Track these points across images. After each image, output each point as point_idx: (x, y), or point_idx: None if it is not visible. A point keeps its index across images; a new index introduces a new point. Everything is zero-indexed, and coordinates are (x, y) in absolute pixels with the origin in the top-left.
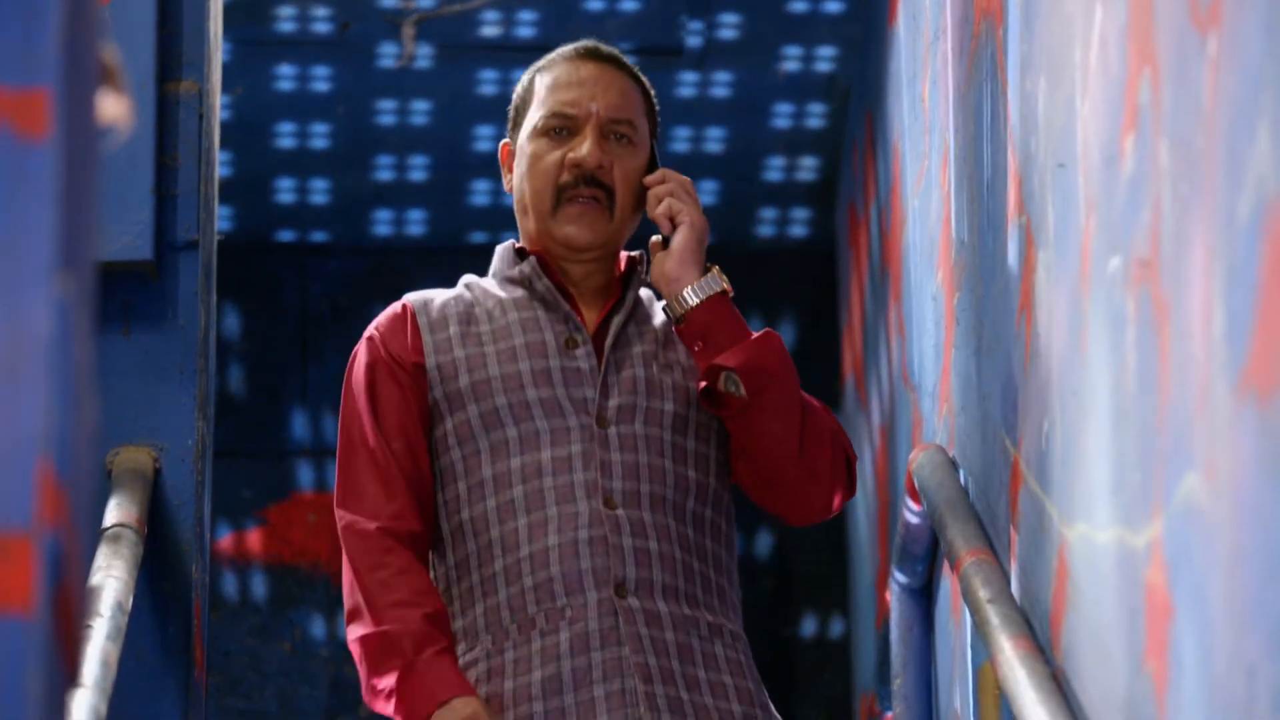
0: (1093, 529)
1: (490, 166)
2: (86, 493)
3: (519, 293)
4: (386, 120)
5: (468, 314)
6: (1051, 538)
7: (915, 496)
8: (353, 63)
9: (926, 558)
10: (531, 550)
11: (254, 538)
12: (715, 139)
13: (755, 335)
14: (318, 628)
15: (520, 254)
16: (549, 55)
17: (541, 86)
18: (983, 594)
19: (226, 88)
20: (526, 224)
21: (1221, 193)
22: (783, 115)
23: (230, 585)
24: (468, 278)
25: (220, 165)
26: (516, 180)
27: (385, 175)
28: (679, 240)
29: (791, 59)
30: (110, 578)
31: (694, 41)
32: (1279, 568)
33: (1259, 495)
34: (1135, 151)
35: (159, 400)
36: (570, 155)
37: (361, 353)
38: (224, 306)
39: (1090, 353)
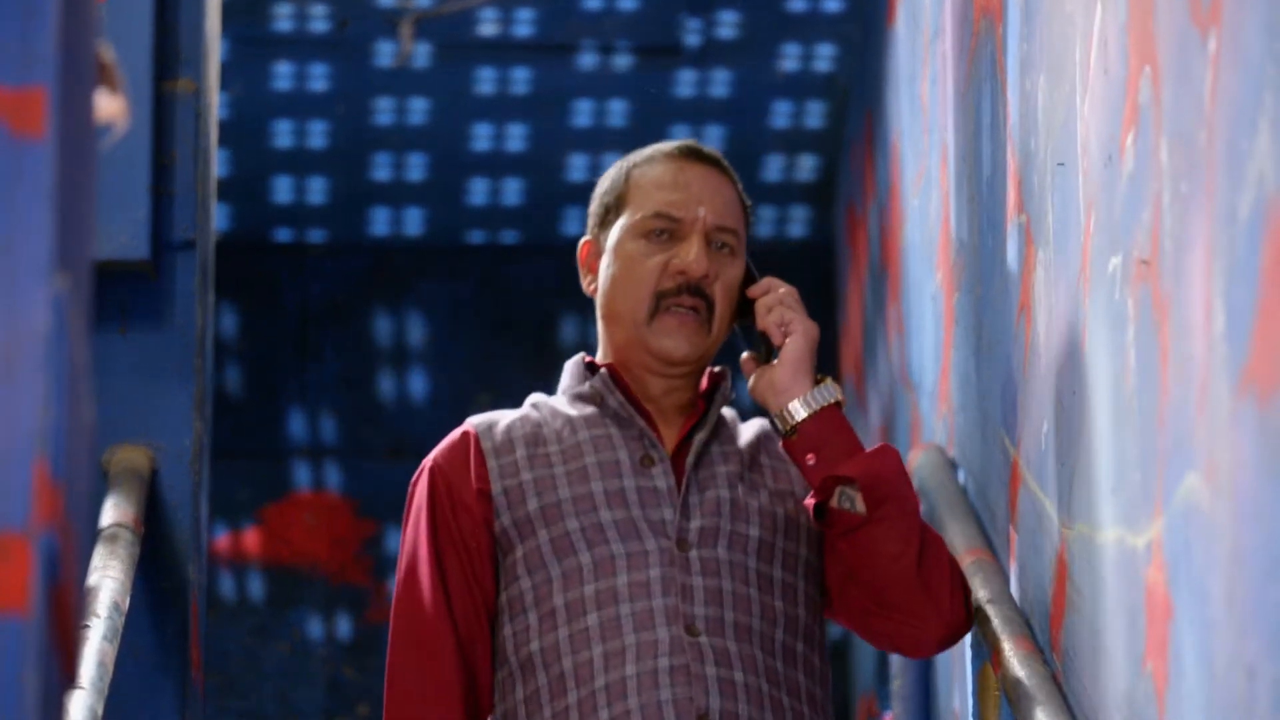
0: (1093, 529)
1: (488, 165)
2: (83, 492)
3: (590, 410)
4: (384, 119)
5: (535, 435)
6: (1051, 538)
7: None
8: (350, 61)
9: None
10: (608, 681)
11: (251, 538)
12: (714, 138)
13: (873, 449)
14: (315, 628)
15: (591, 368)
16: (644, 151)
17: (642, 184)
18: (982, 594)
19: (224, 86)
20: (613, 331)
21: (1222, 191)
22: (782, 114)
23: (227, 585)
24: (534, 397)
25: (217, 164)
26: (603, 282)
27: (383, 174)
28: (791, 349)
29: (790, 58)
30: (107, 578)
31: (693, 40)
32: (1279, 567)
33: (1259, 495)
34: (1135, 150)
35: (156, 400)
36: (674, 262)
37: (421, 487)
38: (221, 306)
39: (1090, 352)
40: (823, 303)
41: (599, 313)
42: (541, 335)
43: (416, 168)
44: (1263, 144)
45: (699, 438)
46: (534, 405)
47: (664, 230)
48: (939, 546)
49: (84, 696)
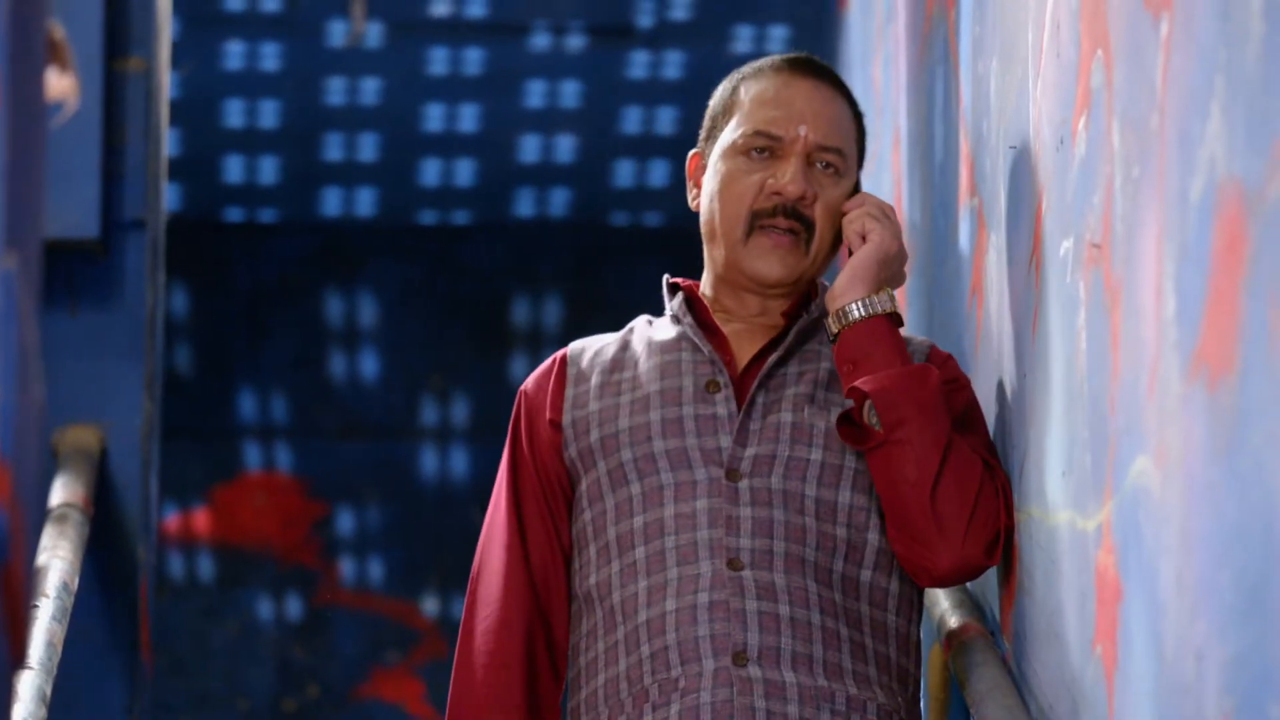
0: (1044, 512)
1: (440, 145)
2: (33, 472)
3: (672, 333)
4: (336, 99)
5: (616, 361)
6: None
7: None
8: (302, 40)
9: None
10: (649, 616)
11: (201, 518)
12: (666, 119)
13: (909, 367)
14: (265, 609)
15: (673, 290)
16: (756, 63)
17: (746, 98)
18: None
19: (175, 65)
20: (713, 250)
21: (1173, 175)
22: None
23: (177, 566)
24: (640, 318)
25: (168, 143)
26: (705, 199)
27: (335, 154)
28: (858, 255)
29: (743, 39)
30: (56, 558)
31: (645, 21)
32: (1228, 551)
33: (1209, 478)
34: (1087, 134)
35: (106, 379)
36: (770, 181)
37: (514, 412)
38: (172, 285)
39: (1041, 335)
40: None
41: (702, 229)
42: (493, 316)
43: (368, 148)
44: (1214, 128)
45: (772, 358)
46: (631, 328)
47: (764, 148)
48: (967, 477)
49: (32, 677)
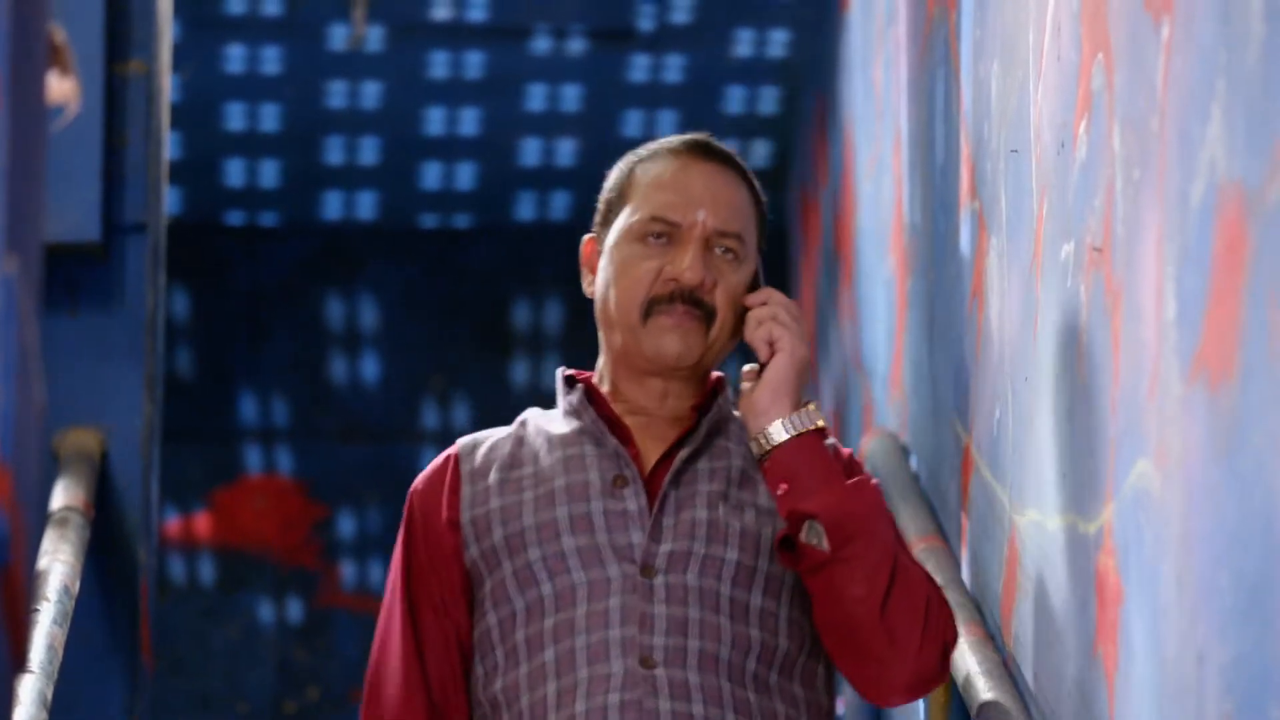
0: (1044, 515)
1: (441, 148)
2: (33, 475)
3: (572, 427)
4: (337, 102)
5: (515, 456)
6: (1002, 524)
7: None
8: (303, 44)
9: None
10: (559, 719)
11: (202, 521)
12: (667, 122)
13: (850, 481)
14: (265, 611)
15: (570, 383)
16: (651, 145)
17: (642, 181)
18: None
19: (176, 68)
20: (610, 336)
21: (1174, 178)
22: (735, 99)
23: (178, 568)
24: (529, 411)
25: (169, 146)
26: (600, 286)
27: (335, 157)
28: (773, 369)
29: (744, 42)
30: (57, 561)
31: (646, 24)
32: (1229, 552)
33: (1209, 480)
34: (1088, 136)
35: (106, 382)
36: (668, 268)
37: (403, 523)
38: (172, 288)
39: (1042, 338)
40: (776, 286)
41: (597, 318)
42: (494, 319)
43: (369, 151)
44: (1215, 130)
45: (682, 454)
46: (523, 422)
47: (661, 234)
48: (915, 588)
49: (33, 680)
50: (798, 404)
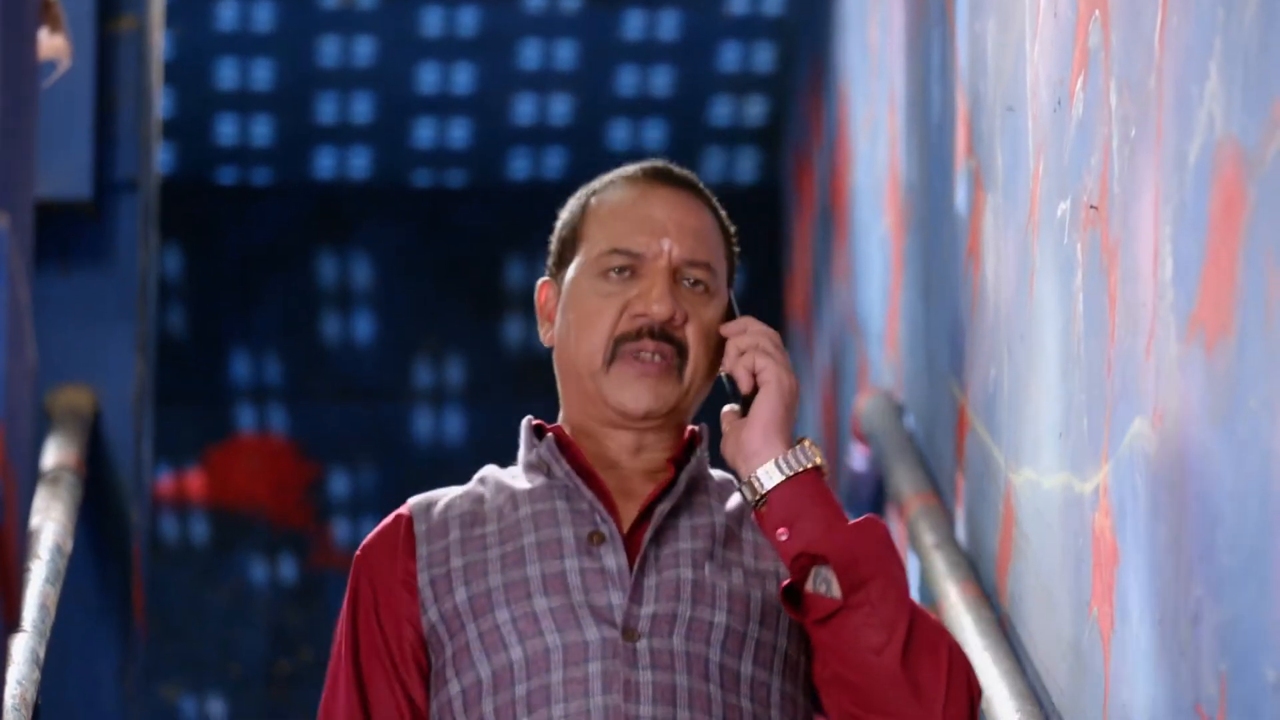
0: (1039, 474)
1: (435, 106)
2: (25, 434)
3: (538, 481)
4: (330, 59)
5: (474, 514)
6: (998, 483)
7: (862, 442)
8: (295, 0)
9: (873, 504)
10: None
11: (194, 481)
12: (661, 81)
13: (855, 521)
14: (258, 572)
15: (539, 433)
16: (606, 176)
17: (599, 214)
18: (929, 539)
19: (167, 25)
20: (569, 385)
21: (1171, 136)
22: (730, 57)
23: (170, 529)
24: (485, 470)
25: (161, 104)
26: (559, 329)
27: (328, 115)
28: (761, 404)
29: (739, 1)
30: (49, 520)
31: None
32: (1225, 513)
33: (1206, 440)
34: (1085, 94)
35: (98, 341)
36: (634, 303)
37: (349, 587)
38: (164, 247)
39: (1038, 297)
40: (770, 247)
41: (555, 365)
42: (487, 278)
43: (362, 109)
44: (1212, 88)
45: (661, 509)
46: (481, 479)
47: (624, 267)
48: (935, 635)
49: (26, 639)
50: (790, 441)
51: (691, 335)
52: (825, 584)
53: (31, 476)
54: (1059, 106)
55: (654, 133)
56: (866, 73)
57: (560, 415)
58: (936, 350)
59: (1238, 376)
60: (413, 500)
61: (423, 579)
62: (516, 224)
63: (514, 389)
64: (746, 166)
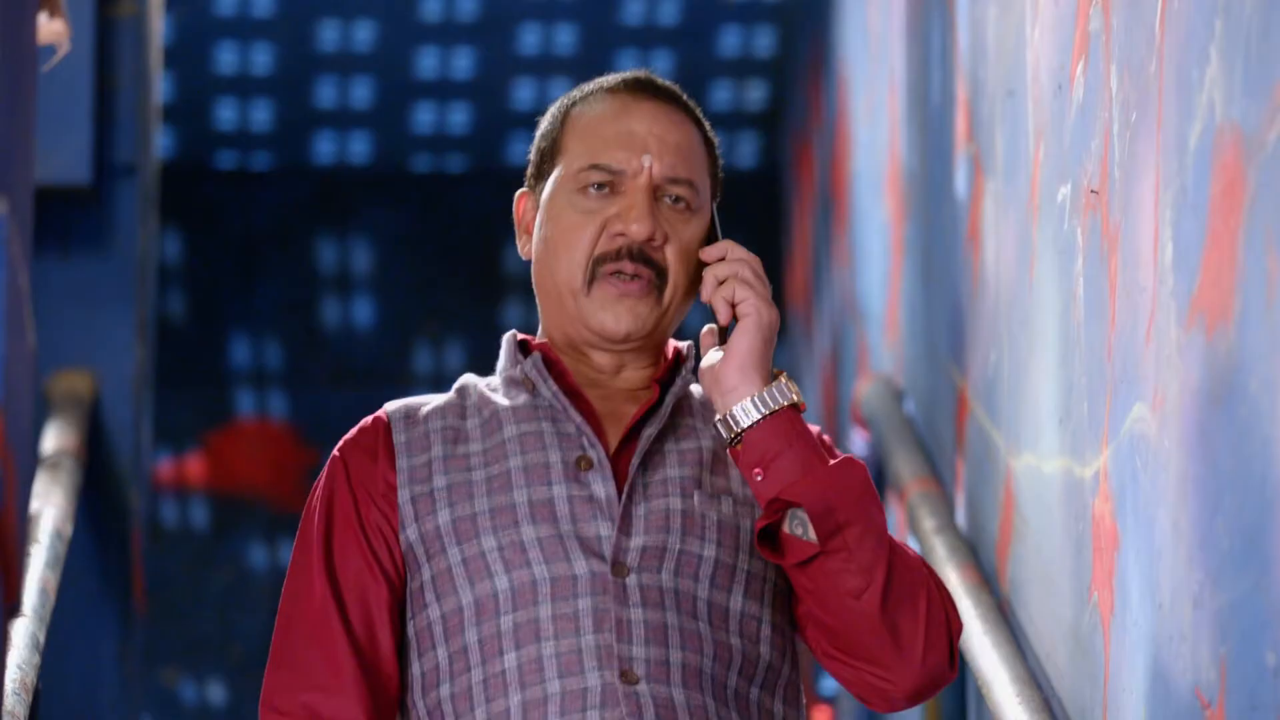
0: (1040, 459)
1: (434, 91)
2: (25, 419)
3: (522, 399)
4: (329, 44)
5: (456, 431)
6: (998, 468)
7: (862, 426)
8: None
9: None
10: None
11: (194, 465)
12: (662, 65)
13: (834, 462)
14: (258, 556)
15: (523, 348)
16: (587, 85)
17: (578, 126)
18: (929, 524)
19: (167, 9)
20: (548, 304)
21: (1172, 120)
22: (730, 41)
23: (170, 513)
24: (465, 379)
25: (160, 88)
26: (536, 245)
27: (328, 100)
28: (739, 338)
29: None
30: (49, 505)
31: None
32: (1225, 497)
33: (1206, 425)
34: (1085, 78)
35: (97, 326)
36: (613, 221)
37: (323, 479)
38: (164, 231)
39: (1038, 282)
40: (770, 232)
41: (534, 281)
42: (486, 262)
43: (362, 93)
44: (1213, 73)
45: (648, 433)
46: (461, 391)
47: (603, 184)
48: (915, 577)
49: (26, 623)
50: (768, 377)
51: (671, 256)
52: (802, 526)
53: (31, 461)
54: (1059, 91)
55: None
56: (866, 57)
57: (540, 330)
58: (936, 335)
59: (1238, 361)
60: (389, 406)
61: (403, 495)
62: None
63: None
64: (746, 151)
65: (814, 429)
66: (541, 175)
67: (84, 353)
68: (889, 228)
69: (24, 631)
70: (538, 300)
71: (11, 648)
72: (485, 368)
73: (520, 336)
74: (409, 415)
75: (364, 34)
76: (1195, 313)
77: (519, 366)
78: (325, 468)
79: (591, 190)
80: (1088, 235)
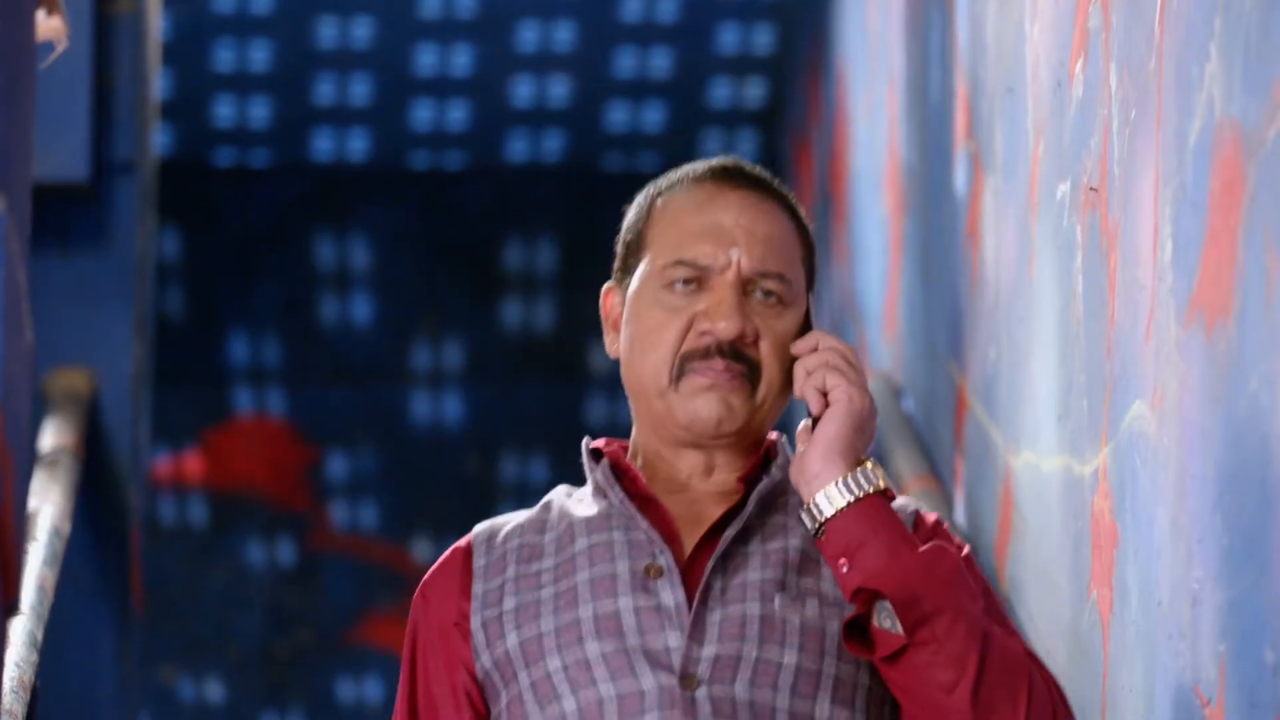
0: (1039, 457)
1: (433, 88)
2: (23, 416)
3: (598, 508)
4: (328, 41)
5: (534, 547)
6: (997, 465)
7: None
8: None
9: None
10: None
11: (192, 463)
12: (661, 62)
13: (921, 549)
14: (255, 553)
15: (596, 456)
16: (672, 174)
17: (664, 218)
18: None
19: (165, 6)
20: (639, 404)
21: (1171, 117)
22: (729, 39)
23: (168, 510)
24: (556, 491)
25: (159, 86)
26: (624, 343)
27: (326, 97)
28: (826, 424)
29: None
30: (47, 502)
31: None
32: (1224, 495)
33: (1205, 422)
34: (1085, 76)
35: (96, 323)
36: (700, 319)
37: (411, 614)
38: (162, 229)
39: (1038, 279)
40: None
41: (623, 380)
42: (486, 260)
43: (360, 90)
44: (1212, 70)
45: (728, 534)
46: (547, 504)
47: (690, 279)
48: (1015, 668)
49: (24, 621)
50: (854, 464)
51: (765, 352)
52: (890, 618)
53: (29, 458)
54: (1059, 88)
55: (653, 115)
56: (866, 55)
57: (633, 432)
58: (935, 333)
59: (1237, 358)
60: (477, 528)
61: (475, 621)
62: (515, 206)
63: (512, 371)
64: (745, 149)
65: (931, 517)
66: (627, 269)
67: (82, 350)
68: (888, 225)
69: (22, 629)
70: (629, 399)
71: (9, 646)
72: (484, 365)
73: (593, 445)
74: (491, 536)
75: (362, 31)
76: (1195, 310)
77: (593, 475)
78: (412, 606)
79: (678, 286)
80: (1087, 232)
